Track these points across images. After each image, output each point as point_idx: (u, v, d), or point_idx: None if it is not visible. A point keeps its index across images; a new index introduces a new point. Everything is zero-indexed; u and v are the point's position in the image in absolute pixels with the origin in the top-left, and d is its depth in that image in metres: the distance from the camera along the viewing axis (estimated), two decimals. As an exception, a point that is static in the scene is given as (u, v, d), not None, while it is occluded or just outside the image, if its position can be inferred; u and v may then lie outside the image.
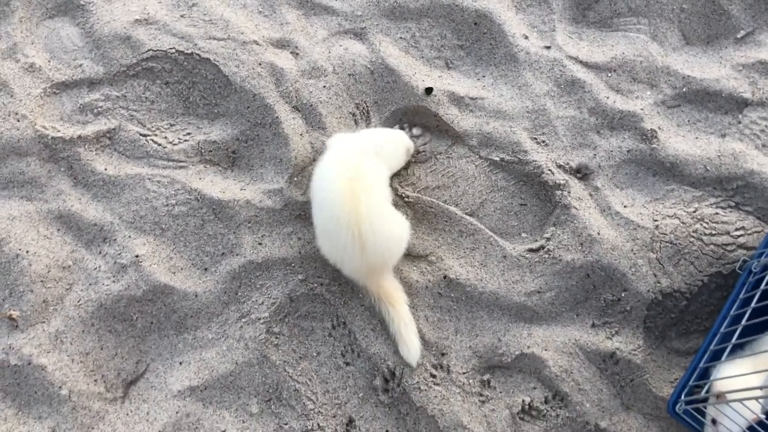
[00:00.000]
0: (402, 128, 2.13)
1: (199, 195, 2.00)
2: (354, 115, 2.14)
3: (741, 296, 1.72)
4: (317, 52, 2.20)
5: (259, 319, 1.89)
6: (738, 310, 1.71)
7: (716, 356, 1.67)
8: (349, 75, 2.17)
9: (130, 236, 1.96)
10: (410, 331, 1.83)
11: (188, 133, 2.10)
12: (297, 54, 2.19)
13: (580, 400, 1.85)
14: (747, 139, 2.15)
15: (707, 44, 2.28)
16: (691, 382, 1.64)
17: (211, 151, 2.08)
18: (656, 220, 2.03)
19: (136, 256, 1.93)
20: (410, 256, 1.98)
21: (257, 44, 2.19)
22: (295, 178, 2.03)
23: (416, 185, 2.07)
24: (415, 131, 2.13)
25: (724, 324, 1.68)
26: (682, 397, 1.62)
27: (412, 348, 1.83)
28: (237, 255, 1.95)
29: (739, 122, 2.17)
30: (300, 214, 2.00)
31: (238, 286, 1.92)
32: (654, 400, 1.85)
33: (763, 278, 1.72)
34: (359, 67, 2.17)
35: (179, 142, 2.09)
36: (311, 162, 2.05)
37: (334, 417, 1.82)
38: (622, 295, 1.93)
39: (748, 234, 1.98)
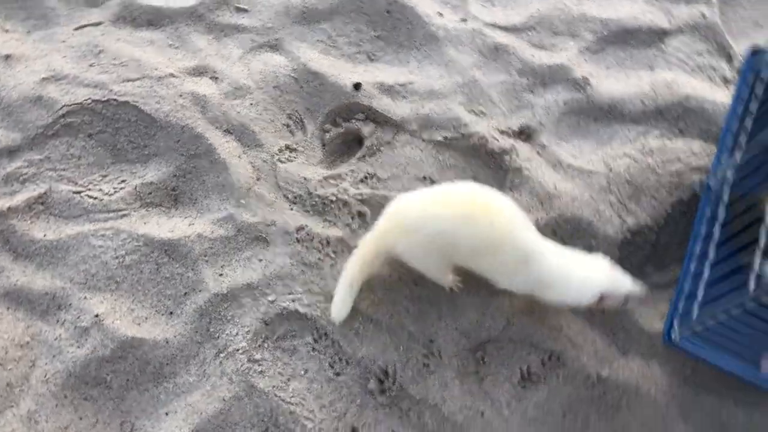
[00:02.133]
0: (336, 125, 2.19)
1: (147, 240, 2.00)
2: (288, 125, 2.17)
3: (707, 215, 1.81)
4: (237, 71, 2.23)
5: (238, 350, 1.89)
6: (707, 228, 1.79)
7: (697, 277, 1.74)
8: (274, 87, 2.20)
9: (85, 297, 1.94)
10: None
11: (123, 181, 2.10)
12: (216, 78, 2.22)
13: (576, 355, 1.90)
14: (675, 66, 2.26)
15: (616, -15, 2.42)
16: (680, 308, 1.71)
17: (150, 193, 2.08)
18: (608, 163, 2.12)
19: (96, 316, 1.91)
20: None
21: (174, 77, 2.21)
22: (242, 201, 2.05)
23: (368, 181, 2.11)
24: (365, 128, 2.18)
25: (698, 244, 1.77)
26: (675, 324, 1.69)
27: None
28: (200, 291, 1.95)
29: (664, 52, 2.29)
30: (256, 236, 2.02)
31: (208, 322, 1.92)
32: (648, 338, 1.92)
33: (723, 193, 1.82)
34: (282, 77, 2.21)
35: (115, 192, 2.08)
36: (255, 182, 2.08)
37: (336, 431, 1.84)
38: (593, 242, 2.00)
39: (699, 156, 2.09)
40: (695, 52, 2.28)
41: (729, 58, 2.27)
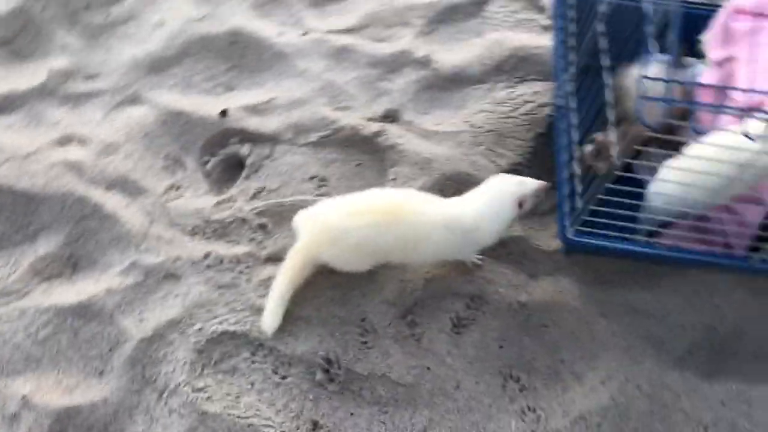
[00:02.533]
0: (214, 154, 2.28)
1: (56, 310, 1.96)
2: (167, 167, 2.22)
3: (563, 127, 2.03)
4: (102, 132, 2.27)
5: (179, 384, 1.88)
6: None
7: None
8: (144, 136, 2.26)
9: (6, 384, 1.87)
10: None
11: (15, 262, 2.06)
12: (84, 142, 2.24)
13: (494, 290, 2.04)
14: (499, 27, 2.54)
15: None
16: (565, 207, 1.90)
17: (46, 266, 2.05)
18: (468, 121, 2.32)
19: (23, 398, 1.84)
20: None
21: (40, 152, 2.21)
22: (142, 246, 2.07)
23: (260, 195, 2.20)
24: (242, 150, 2.27)
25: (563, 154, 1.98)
26: (566, 223, 1.88)
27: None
28: (125, 342, 1.93)
29: (486, 19, 2.57)
30: (165, 274, 2.04)
31: (142, 368, 1.91)
32: (548, 255, 2.09)
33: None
34: (149, 125, 2.27)
35: (10, 275, 2.04)
36: (150, 225, 2.11)
37: (298, 429, 1.86)
38: (477, 190, 2.20)
39: (542, 94, 2.35)
40: (512, 12, 2.58)
41: (541, 9, 2.58)
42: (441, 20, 2.52)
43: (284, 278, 1.91)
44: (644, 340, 1.97)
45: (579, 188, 1.77)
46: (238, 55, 2.42)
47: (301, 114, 2.28)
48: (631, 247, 1.84)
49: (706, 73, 2.02)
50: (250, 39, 2.42)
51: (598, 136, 1.99)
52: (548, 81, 2.29)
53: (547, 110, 2.23)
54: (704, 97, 1.99)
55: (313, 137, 2.25)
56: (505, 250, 2.08)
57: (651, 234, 1.95)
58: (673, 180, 1.73)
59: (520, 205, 1.88)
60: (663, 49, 1.47)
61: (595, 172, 1.86)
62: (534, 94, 2.31)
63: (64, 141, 2.23)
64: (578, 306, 2.00)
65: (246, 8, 2.51)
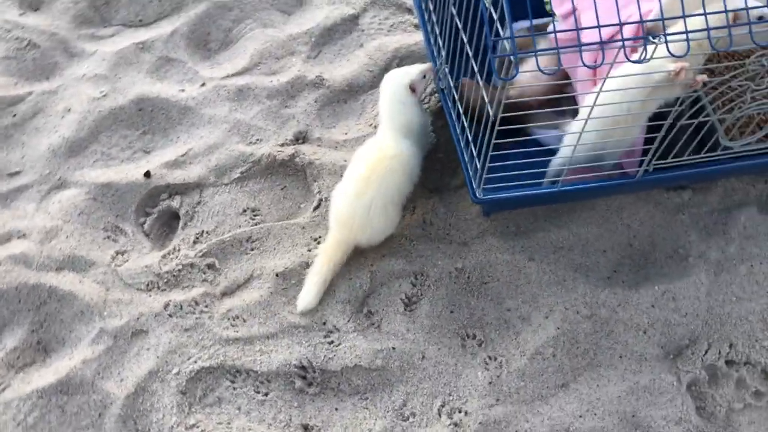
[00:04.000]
0: (148, 214, 2.40)
1: (39, 393, 2.03)
2: (108, 237, 2.33)
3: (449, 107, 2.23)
4: (40, 221, 2.36)
5: (172, 427, 1.98)
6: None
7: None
8: (80, 214, 2.35)
9: (8, 475, 1.95)
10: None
11: (-15, 362, 2.14)
12: (24, 235, 2.33)
13: (432, 263, 2.21)
14: (376, 35, 2.75)
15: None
16: (470, 171, 2.08)
17: (18, 357, 2.13)
18: (371, 123, 2.52)
19: (28, 482, 1.93)
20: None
21: (-18, 255, 2.30)
22: (105, 313, 2.17)
23: (200, 239, 2.32)
24: (173, 203, 2.39)
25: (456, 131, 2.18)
26: (473, 185, 2.05)
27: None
28: (111, 404, 2.02)
29: (363, 31, 2.78)
30: (133, 332, 2.15)
31: (133, 423, 1.99)
32: (472, 222, 2.29)
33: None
34: (82, 204, 2.37)
35: (-16, 375, 2.11)
36: (107, 292, 2.21)
37: (291, 435, 2.00)
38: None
39: (427, 80, 2.56)
40: (384, 19, 2.79)
41: (409, 11, 2.80)
42: (323, 42, 2.70)
43: (327, 267, 2.10)
44: (573, 271, 2.17)
45: (474, 151, 1.96)
46: (147, 119, 2.54)
47: (219, 156, 2.42)
48: (537, 191, 2.03)
49: (559, 27, 2.24)
50: (155, 102, 2.55)
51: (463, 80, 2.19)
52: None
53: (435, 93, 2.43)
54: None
55: (236, 174, 2.39)
56: (433, 227, 2.26)
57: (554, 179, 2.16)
58: (589, 128, 1.85)
59: (413, 89, 2.13)
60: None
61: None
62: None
63: (4, 239, 2.31)
64: (508, 258, 2.19)
65: (143, 76, 2.64)
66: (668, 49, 1.57)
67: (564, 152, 2.10)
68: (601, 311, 2.09)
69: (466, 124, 2.03)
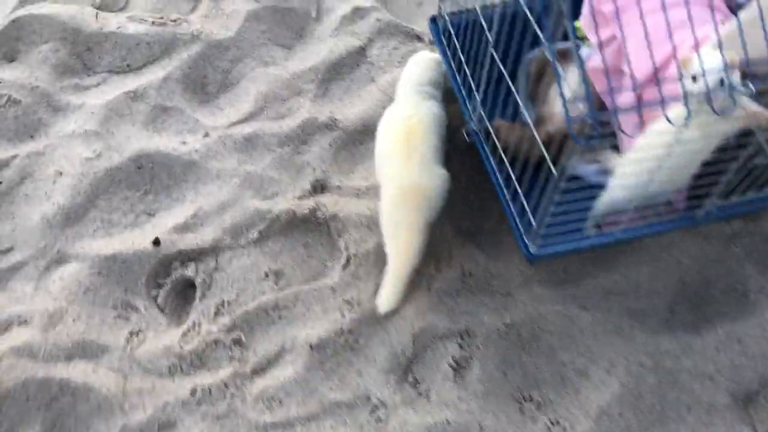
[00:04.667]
0: (160, 285, 2.18)
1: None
2: (119, 315, 2.11)
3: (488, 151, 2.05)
4: (40, 303, 2.11)
5: None
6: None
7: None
8: (85, 292, 2.12)
9: None
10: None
11: (-3, 473, 1.91)
12: (25, 321, 2.10)
13: (477, 320, 2.04)
14: (387, 67, 2.56)
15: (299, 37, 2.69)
16: (520, 227, 1.91)
17: (32, 464, 1.92)
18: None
19: None
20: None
21: (-18, 347, 2.06)
22: (125, 406, 1.95)
23: (222, 310, 2.11)
24: (188, 271, 2.17)
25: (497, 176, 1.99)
26: (527, 242, 1.87)
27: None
28: None
29: (372, 63, 2.57)
30: (159, 425, 1.93)
31: None
32: (513, 270, 2.14)
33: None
34: (86, 280, 2.13)
35: (-3, 488, 1.89)
36: (125, 381, 1.99)
37: None
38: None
39: (454, 116, 2.38)
40: (392, 49, 2.59)
41: (418, 38, 2.60)
42: (331, 78, 2.50)
43: (404, 257, 1.93)
44: (628, 317, 2.01)
45: (528, 206, 1.78)
46: (148, 178, 2.31)
47: (232, 215, 2.21)
48: (593, 242, 1.87)
49: (593, 56, 2.08)
50: (155, 158, 2.33)
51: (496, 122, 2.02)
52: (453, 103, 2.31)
53: (463, 130, 2.24)
54: (597, 80, 2.06)
55: (253, 234, 2.19)
56: (473, 278, 2.08)
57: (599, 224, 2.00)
58: (635, 172, 1.72)
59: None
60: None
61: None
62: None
63: (3, 328, 2.08)
64: (558, 308, 2.03)
65: (138, 129, 2.41)
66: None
67: (614, 193, 1.92)
68: (664, 360, 1.94)
69: (512, 175, 1.84)
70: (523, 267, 2.10)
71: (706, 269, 2.08)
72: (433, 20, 2.20)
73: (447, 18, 2.15)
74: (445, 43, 2.13)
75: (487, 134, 1.97)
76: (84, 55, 2.56)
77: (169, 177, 2.29)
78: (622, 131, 1.71)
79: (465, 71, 2.00)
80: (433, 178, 1.96)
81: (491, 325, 2.00)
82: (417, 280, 2.05)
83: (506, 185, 1.89)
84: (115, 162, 2.29)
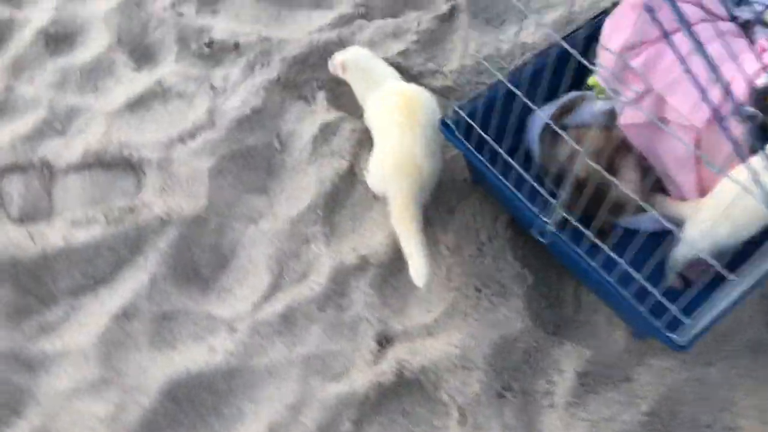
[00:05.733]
0: None
1: None
2: None
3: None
4: None
5: None
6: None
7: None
8: None
9: None
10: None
11: None
12: None
13: (613, 426, 1.90)
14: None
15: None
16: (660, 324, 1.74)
17: None
18: (452, 287, 2.12)
19: None
20: None
21: None
22: None
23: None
24: None
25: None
26: (675, 335, 1.71)
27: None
28: None
29: (363, 179, 2.31)
30: None
31: None
32: (625, 353, 2.00)
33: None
34: None
35: None
36: None
37: None
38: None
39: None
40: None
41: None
42: (332, 211, 2.21)
43: (416, 227, 1.89)
44: (750, 352, 1.96)
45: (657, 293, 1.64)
46: (189, 408, 1.88)
47: (312, 415, 1.88)
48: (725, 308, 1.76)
49: (626, 112, 1.97)
50: (188, 382, 1.88)
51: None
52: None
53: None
54: (635, 136, 1.96)
55: (346, 426, 1.88)
56: (590, 377, 1.94)
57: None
58: (714, 220, 1.69)
59: None
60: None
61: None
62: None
63: None
64: (684, 374, 1.95)
65: (148, 354, 1.92)
66: None
67: (695, 244, 1.84)
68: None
69: (633, 273, 1.67)
70: (632, 346, 1.98)
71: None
72: (444, 124, 1.98)
73: (458, 110, 1.95)
74: (468, 144, 1.93)
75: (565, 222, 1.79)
76: (33, 287, 2.06)
77: (213, 397, 1.91)
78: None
79: (507, 162, 1.83)
80: (433, 160, 1.99)
81: (632, 422, 1.87)
82: (539, 401, 1.88)
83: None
84: (145, 405, 1.87)
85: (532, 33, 2.62)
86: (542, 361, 1.96)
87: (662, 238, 1.75)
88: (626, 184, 1.72)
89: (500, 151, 1.83)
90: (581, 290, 2.09)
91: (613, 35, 1.87)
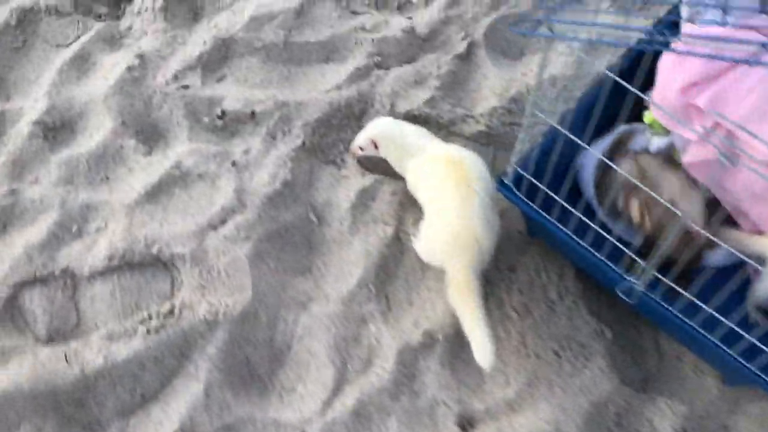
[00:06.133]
0: None
1: None
2: None
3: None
4: None
5: None
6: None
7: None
8: None
9: None
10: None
11: None
12: None
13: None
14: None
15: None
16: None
17: None
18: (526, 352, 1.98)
19: None
20: None
21: None
22: None
23: None
24: None
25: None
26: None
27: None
28: None
29: (410, 245, 2.16)
30: None
31: None
32: (713, 404, 1.89)
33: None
34: None
35: None
36: None
37: None
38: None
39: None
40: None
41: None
42: (384, 283, 2.06)
43: (477, 305, 1.75)
44: None
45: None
46: None
47: None
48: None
49: (694, 148, 1.86)
50: None
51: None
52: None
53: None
54: (701, 173, 1.86)
55: None
56: (708, 425, 1.81)
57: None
58: None
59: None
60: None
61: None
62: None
63: None
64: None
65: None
66: None
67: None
68: None
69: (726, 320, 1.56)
70: (722, 391, 1.86)
71: None
72: (501, 182, 1.85)
73: (520, 170, 1.82)
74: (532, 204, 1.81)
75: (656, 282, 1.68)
76: (78, 415, 1.87)
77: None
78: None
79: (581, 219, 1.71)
80: (492, 229, 1.85)
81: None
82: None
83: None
84: None
85: (553, 61, 2.47)
86: (636, 422, 1.85)
87: (733, 272, 1.65)
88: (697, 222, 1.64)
89: (575, 212, 1.70)
90: (660, 337, 1.98)
91: (675, 74, 1.75)
